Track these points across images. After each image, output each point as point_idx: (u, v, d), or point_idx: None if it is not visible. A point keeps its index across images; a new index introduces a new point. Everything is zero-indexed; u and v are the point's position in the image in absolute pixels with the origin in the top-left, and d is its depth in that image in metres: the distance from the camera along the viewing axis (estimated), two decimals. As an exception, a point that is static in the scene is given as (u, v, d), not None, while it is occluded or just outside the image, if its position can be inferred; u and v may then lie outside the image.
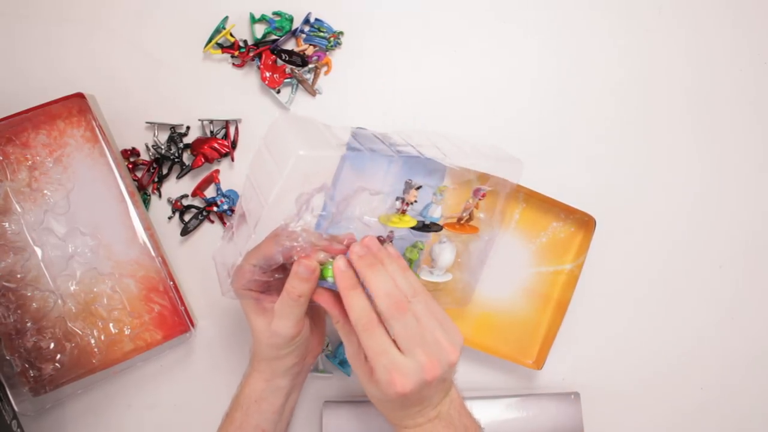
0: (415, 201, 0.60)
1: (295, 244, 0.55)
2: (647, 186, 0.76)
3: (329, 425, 0.69)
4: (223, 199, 0.72)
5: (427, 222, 0.63)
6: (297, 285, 0.55)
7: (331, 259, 0.56)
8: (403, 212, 0.60)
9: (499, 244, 0.72)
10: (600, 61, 0.76)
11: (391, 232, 0.62)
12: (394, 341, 0.53)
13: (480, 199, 0.65)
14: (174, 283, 0.69)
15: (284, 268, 0.57)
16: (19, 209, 0.69)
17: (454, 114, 0.75)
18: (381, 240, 0.60)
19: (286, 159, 0.51)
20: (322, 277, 0.56)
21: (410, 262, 0.65)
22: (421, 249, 0.65)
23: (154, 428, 0.73)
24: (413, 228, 0.62)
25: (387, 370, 0.52)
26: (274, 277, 0.58)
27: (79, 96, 0.68)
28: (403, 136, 0.63)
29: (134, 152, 0.74)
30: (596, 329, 0.75)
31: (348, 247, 0.57)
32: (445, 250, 0.65)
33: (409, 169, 0.67)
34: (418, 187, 0.60)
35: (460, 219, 0.65)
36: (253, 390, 0.61)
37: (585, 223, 0.71)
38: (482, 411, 0.69)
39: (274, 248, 0.55)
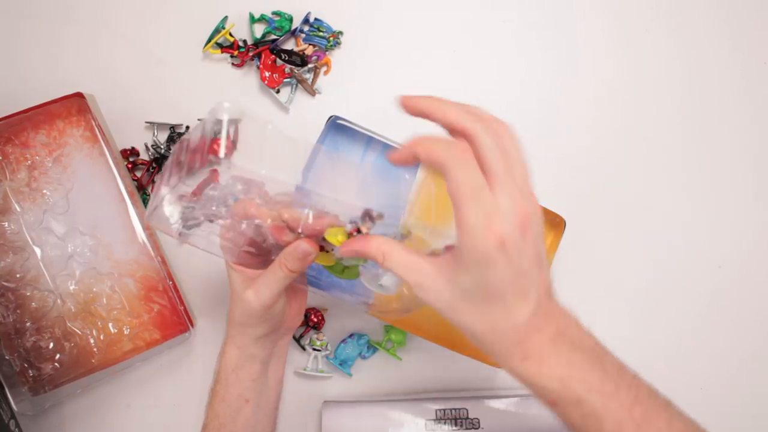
0: (368, 232, 0.51)
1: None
2: (636, 187, 0.76)
3: (329, 425, 0.69)
4: (223, 199, 0.72)
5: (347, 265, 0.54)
6: (292, 263, 0.53)
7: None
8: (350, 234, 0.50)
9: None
10: (591, 61, 0.76)
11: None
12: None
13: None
14: (173, 283, 0.69)
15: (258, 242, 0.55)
16: (18, 209, 0.69)
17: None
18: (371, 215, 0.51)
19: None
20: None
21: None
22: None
23: (153, 428, 0.72)
24: (329, 267, 0.55)
25: (483, 212, 0.42)
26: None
27: (79, 96, 0.68)
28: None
29: (134, 152, 0.74)
30: (594, 329, 0.75)
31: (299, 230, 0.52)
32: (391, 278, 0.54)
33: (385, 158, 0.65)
34: (378, 217, 0.50)
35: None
36: (229, 359, 0.60)
37: (556, 224, 0.68)
38: (481, 411, 0.69)
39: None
